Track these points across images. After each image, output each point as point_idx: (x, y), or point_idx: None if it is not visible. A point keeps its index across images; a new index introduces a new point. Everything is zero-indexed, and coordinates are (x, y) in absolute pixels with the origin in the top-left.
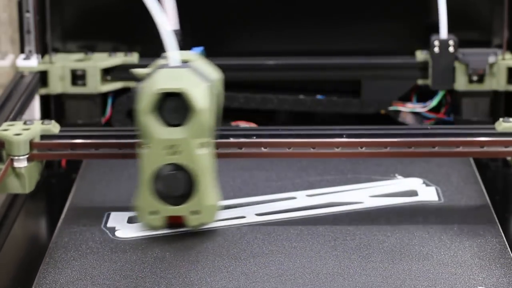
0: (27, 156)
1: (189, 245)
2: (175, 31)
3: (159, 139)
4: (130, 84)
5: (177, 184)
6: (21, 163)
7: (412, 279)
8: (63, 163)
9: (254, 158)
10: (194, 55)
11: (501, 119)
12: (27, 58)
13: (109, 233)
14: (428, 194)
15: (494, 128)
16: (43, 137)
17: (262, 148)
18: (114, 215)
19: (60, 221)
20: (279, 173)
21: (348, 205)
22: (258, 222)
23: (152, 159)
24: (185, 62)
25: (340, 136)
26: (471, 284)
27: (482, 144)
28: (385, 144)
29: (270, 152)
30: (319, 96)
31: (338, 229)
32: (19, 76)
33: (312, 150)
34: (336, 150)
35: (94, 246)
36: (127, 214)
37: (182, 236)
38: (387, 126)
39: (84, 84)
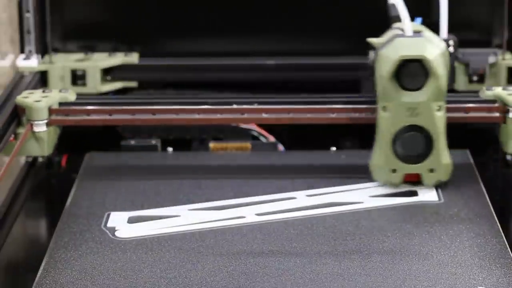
0: (46, 121)
1: (189, 245)
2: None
3: (400, 102)
4: (130, 84)
5: (416, 144)
6: (41, 128)
7: (412, 279)
8: (63, 162)
9: (254, 156)
10: (419, 25)
11: (484, 88)
12: (27, 58)
13: (109, 233)
14: (428, 194)
15: (478, 96)
16: (61, 104)
17: (263, 114)
18: (114, 215)
19: (60, 221)
20: (279, 173)
21: (348, 205)
22: (258, 222)
23: (393, 121)
24: (416, 32)
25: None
26: (471, 284)
27: (467, 110)
28: (372, 110)
29: (269, 117)
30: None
31: (338, 229)
32: (19, 76)
33: (309, 116)
34: (332, 115)
35: (94, 246)
36: (127, 214)
37: (182, 236)
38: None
39: (84, 84)
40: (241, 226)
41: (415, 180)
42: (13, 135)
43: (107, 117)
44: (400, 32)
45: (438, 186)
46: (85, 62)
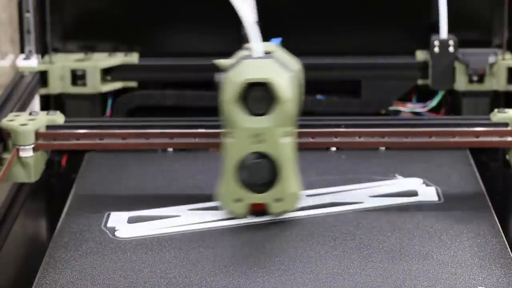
0: (32, 145)
1: (189, 245)
2: (256, 23)
3: (244, 128)
4: (130, 84)
5: (261, 172)
6: (27, 153)
7: (412, 279)
8: (63, 162)
9: None
10: (274, 46)
11: (496, 110)
12: (27, 58)
13: (109, 233)
14: (428, 194)
15: (489, 119)
16: (48, 127)
17: None
18: (114, 215)
19: (60, 221)
20: None
21: (348, 205)
22: (258, 222)
23: (237, 148)
24: (267, 53)
25: (339, 126)
26: (471, 284)
27: (477, 134)
28: (382, 134)
29: None
30: (319, 96)
31: (338, 229)
32: (19, 76)
33: (311, 140)
34: (335, 139)
35: (94, 246)
36: (127, 214)
37: (182, 236)
38: (384, 117)
39: (84, 84)
40: (241, 226)
41: (262, 210)
42: None
43: (97, 141)
44: (248, 53)
45: (438, 186)
46: (85, 62)
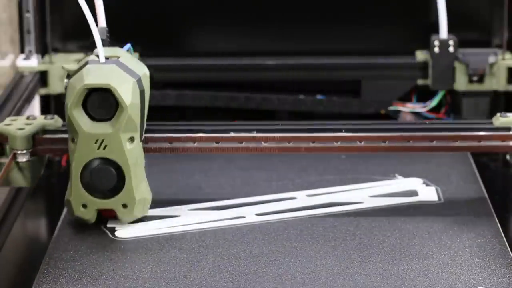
0: (30, 150)
1: (189, 245)
2: (103, 28)
3: (87, 133)
4: None
5: (106, 178)
6: (24, 157)
7: (412, 279)
8: (63, 162)
9: (254, 158)
10: (122, 51)
11: (498, 114)
12: (27, 58)
13: (109, 233)
14: (428, 194)
15: (491, 123)
16: (45, 131)
17: (262, 143)
18: None
19: (60, 221)
20: (279, 173)
21: (348, 205)
22: (258, 222)
23: (81, 153)
24: (113, 58)
25: (339, 130)
26: (471, 284)
27: (479, 138)
28: (383, 138)
29: (269, 146)
30: (319, 96)
31: (338, 229)
32: (19, 76)
33: (311, 145)
34: (336, 144)
35: (94, 246)
36: None
37: (182, 236)
38: (386, 121)
39: None
40: (241, 226)
41: (113, 215)
42: None
43: None
44: (94, 58)
45: (438, 186)
46: None
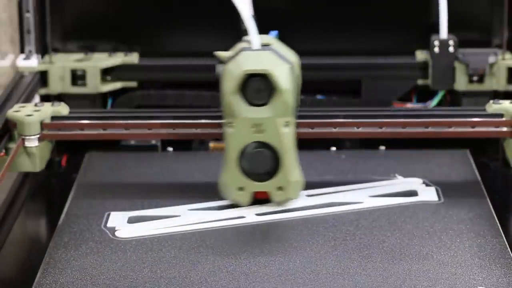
0: (38, 136)
1: (189, 245)
2: (253, 17)
3: (245, 118)
4: (130, 84)
5: (263, 161)
6: (32, 143)
7: (412, 279)
8: (63, 162)
9: None
10: (271, 38)
11: (491, 101)
12: (27, 58)
13: (109, 233)
14: (428, 194)
15: (485, 110)
16: (53, 118)
17: None
18: (114, 215)
19: (60, 221)
20: None
21: (348, 205)
22: (258, 222)
23: (238, 138)
24: (265, 45)
25: (337, 117)
26: (471, 284)
27: (473, 124)
28: (380, 124)
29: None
30: (319, 96)
31: (338, 229)
32: (19, 76)
33: (310, 130)
34: (334, 130)
35: (94, 246)
36: (127, 214)
37: (182, 236)
38: (382, 108)
39: (84, 84)
40: (241, 226)
41: (264, 198)
42: (3, 150)
43: (101, 131)
44: (247, 45)
45: (438, 186)
46: (85, 62)
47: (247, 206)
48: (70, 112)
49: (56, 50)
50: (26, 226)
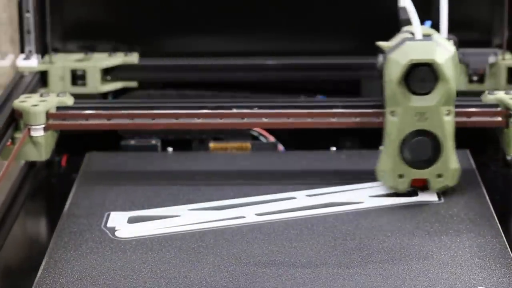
0: (43, 125)
1: (189, 245)
2: (404, 8)
3: (409, 107)
4: (130, 84)
5: (424, 149)
6: (38, 132)
7: (412, 279)
8: (63, 162)
9: (254, 157)
10: (430, 29)
11: (486, 92)
12: (27, 58)
13: (109, 233)
14: (428, 194)
15: (480, 100)
16: (58, 108)
17: (263, 119)
18: (114, 215)
19: (60, 221)
20: (279, 173)
21: (348, 205)
22: (258, 222)
23: (401, 126)
24: (425, 35)
25: (336, 107)
26: (471, 284)
27: (469, 114)
28: (380, 115)
29: (269, 122)
30: (319, 96)
31: (338, 229)
32: (19, 76)
33: (309, 120)
34: (332, 120)
35: (94, 246)
36: (127, 214)
37: (182, 236)
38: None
39: (84, 84)
40: (241, 226)
41: (421, 185)
42: (10, 140)
43: (105, 121)
44: (409, 35)
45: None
46: (85, 62)
47: (404, 192)
48: (75, 103)
49: (56, 50)
50: (26, 226)
